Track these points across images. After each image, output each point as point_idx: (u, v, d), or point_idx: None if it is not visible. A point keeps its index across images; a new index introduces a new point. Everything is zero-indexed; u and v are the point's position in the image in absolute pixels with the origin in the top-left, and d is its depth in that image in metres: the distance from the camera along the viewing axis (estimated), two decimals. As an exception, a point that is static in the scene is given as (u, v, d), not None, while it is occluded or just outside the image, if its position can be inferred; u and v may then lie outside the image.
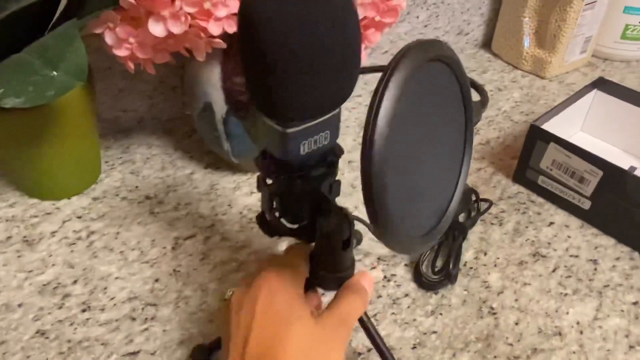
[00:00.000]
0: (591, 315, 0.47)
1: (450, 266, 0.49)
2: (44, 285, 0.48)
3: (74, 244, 0.52)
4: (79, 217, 0.55)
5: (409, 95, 0.26)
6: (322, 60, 0.27)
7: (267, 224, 0.36)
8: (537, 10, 0.77)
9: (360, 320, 0.39)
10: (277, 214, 0.35)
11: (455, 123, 0.32)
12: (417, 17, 0.78)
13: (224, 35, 0.44)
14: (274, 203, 0.34)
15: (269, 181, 0.34)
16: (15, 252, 0.51)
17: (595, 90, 0.64)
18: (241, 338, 0.31)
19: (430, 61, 0.27)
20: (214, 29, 0.42)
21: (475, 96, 0.36)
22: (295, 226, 0.36)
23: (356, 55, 0.29)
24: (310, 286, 0.38)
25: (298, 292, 0.33)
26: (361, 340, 0.44)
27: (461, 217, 0.55)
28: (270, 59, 0.26)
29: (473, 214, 0.55)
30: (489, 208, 0.57)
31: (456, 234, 0.52)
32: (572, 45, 0.77)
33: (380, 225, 0.27)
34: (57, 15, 0.49)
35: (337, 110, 0.30)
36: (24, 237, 0.53)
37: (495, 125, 0.70)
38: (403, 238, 0.29)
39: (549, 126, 0.58)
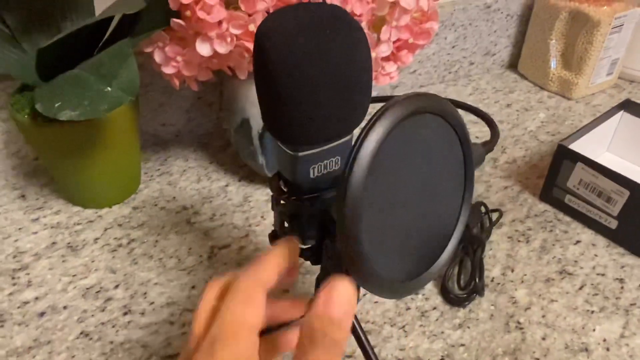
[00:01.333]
0: (618, 333, 0.48)
1: (476, 279, 0.50)
2: (87, 289, 0.51)
3: (115, 250, 0.55)
4: (120, 225, 0.57)
5: (394, 143, 0.26)
6: (332, 89, 0.28)
7: None
8: (564, 33, 0.78)
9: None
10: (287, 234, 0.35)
11: (453, 172, 0.32)
12: (445, 38, 0.80)
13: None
14: (285, 223, 0.35)
15: (282, 201, 0.35)
16: (60, 257, 0.54)
17: (622, 111, 0.65)
18: None
19: (418, 113, 0.27)
20: (257, 49, 0.44)
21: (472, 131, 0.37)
22: (305, 247, 0.36)
23: (366, 85, 0.30)
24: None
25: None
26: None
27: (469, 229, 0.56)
28: (280, 87, 0.27)
29: (487, 225, 0.57)
30: (500, 216, 0.58)
31: (475, 247, 0.53)
32: (598, 67, 0.78)
33: (354, 268, 0.27)
34: (107, 34, 0.52)
35: (348, 136, 0.31)
36: (68, 243, 0.55)
37: (521, 145, 0.71)
38: (379, 281, 0.28)
39: (576, 146, 0.59)
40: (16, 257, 0.54)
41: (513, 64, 0.89)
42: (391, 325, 0.48)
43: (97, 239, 0.56)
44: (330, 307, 0.25)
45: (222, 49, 0.44)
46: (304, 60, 0.27)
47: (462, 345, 0.46)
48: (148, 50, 0.47)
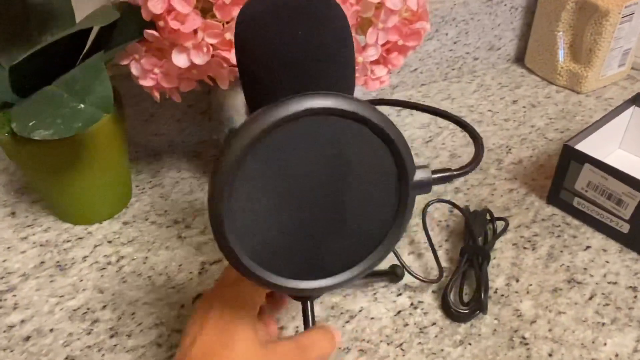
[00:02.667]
0: (631, 347, 0.45)
1: (482, 295, 0.47)
2: (74, 310, 0.49)
3: (104, 268, 0.53)
4: (110, 242, 0.56)
5: (284, 137, 0.26)
6: (314, 77, 0.28)
7: None
8: (571, 24, 0.75)
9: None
10: None
11: (380, 187, 0.29)
12: (446, 34, 0.76)
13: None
14: None
15: None
16: (48, 277, 0.52)
17: (633, 106, 0.61)
18: (191, 337, 0.33)
19: (319, 114, 0.26)
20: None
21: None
22: None
23: (344, 59, 0.29)
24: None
25: (250, 314, 0.34)
26: None
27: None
28: (252, 67, 0.28)
29: (490, 234, 0.54)
30: (506, 227, 0.55)
31: (480, 259, 0.50)
32: (609, 58, 0.74)
33: (220, 246, 0.28)
34: (87, 47, 0.50)
35: None
36: (57, 262, 0.54)
37: (528, 144, 0.68)
38: (249, 269, 0.29)
39: (585, 144, 0.56)
40: (4, 279, 0.52)
41: (519, 58, 0.85)
42: (388, 344, 0.45)
43: (86, 257, 0.54)
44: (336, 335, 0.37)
45: (198, 59, 0.42)
46: (269, 38, 0.28)
47: (463, 363, 0.44)
48: (124, 63, 0.45)
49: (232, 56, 0.42)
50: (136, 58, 0.45)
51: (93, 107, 0.41)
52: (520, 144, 0.68)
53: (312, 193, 0.28)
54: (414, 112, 0.74)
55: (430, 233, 0.53)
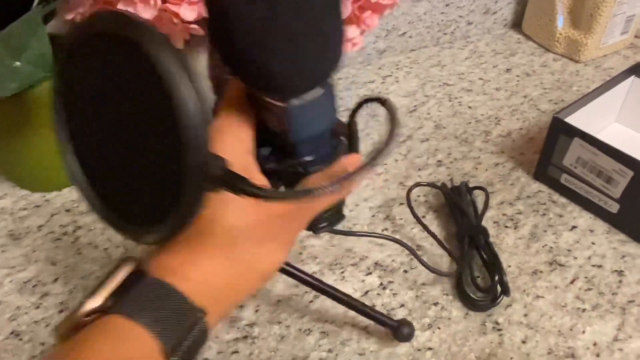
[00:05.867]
0: (611, 336, 0.42)
1: (502, 276, 0.43)
2: (24, 282, 0.46)
3: (59, 239, 0.50)
4: (68, 211, 0.53)
5: (84, 54, 0.25)
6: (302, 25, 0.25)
7: None
8: (572, -14, 0.70)
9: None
10: None
11: (159, 133, 0.24)
12: (438, -4, 0.72)
13: (203, 21, 0.40)
14: None
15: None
16: (0, 246, 0.50)
17: (632, 77, 0.57)
18: None
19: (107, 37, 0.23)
20: (187, 13, 0.38)
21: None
22: None
23: (338, 18, 0.26)
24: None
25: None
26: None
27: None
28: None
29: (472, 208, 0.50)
30: (488, 196, 0.50)
31: (482, 238, 0.46)
32: (611, 25, 0.70)
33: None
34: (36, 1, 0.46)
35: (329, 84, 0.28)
36: (10, 230, 0.51)
37: (519, 115, 0.64)
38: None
39: (578, 117, 0.52)
40: (-46, 247, 0.50)
41: (517, 23, 0.80)
42: (352, 326, 0.43)
43: (41, 226, 0.51)
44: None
45: (146, 13, 0.38)
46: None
47: (430, 349, 0.41)
48: (70, 16, 0.41)
49: (182, 11, 0.38)
50: (81, 12, 0.41)
51: (30, 66, 0.38)
52: (511, 115, 0.64)
53: (113, 117, 0.26)
54: (400, 78, 0.70)
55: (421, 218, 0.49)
